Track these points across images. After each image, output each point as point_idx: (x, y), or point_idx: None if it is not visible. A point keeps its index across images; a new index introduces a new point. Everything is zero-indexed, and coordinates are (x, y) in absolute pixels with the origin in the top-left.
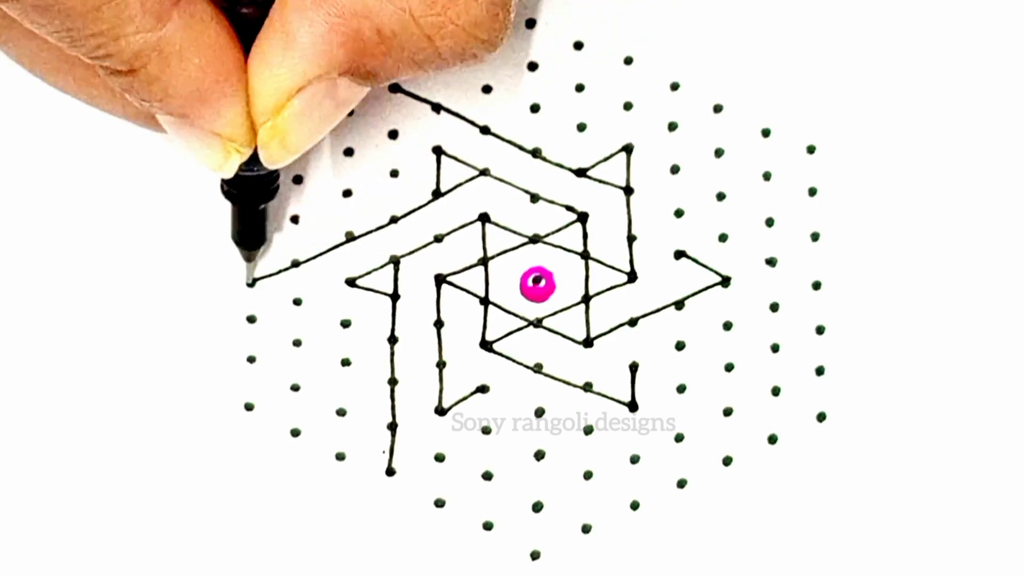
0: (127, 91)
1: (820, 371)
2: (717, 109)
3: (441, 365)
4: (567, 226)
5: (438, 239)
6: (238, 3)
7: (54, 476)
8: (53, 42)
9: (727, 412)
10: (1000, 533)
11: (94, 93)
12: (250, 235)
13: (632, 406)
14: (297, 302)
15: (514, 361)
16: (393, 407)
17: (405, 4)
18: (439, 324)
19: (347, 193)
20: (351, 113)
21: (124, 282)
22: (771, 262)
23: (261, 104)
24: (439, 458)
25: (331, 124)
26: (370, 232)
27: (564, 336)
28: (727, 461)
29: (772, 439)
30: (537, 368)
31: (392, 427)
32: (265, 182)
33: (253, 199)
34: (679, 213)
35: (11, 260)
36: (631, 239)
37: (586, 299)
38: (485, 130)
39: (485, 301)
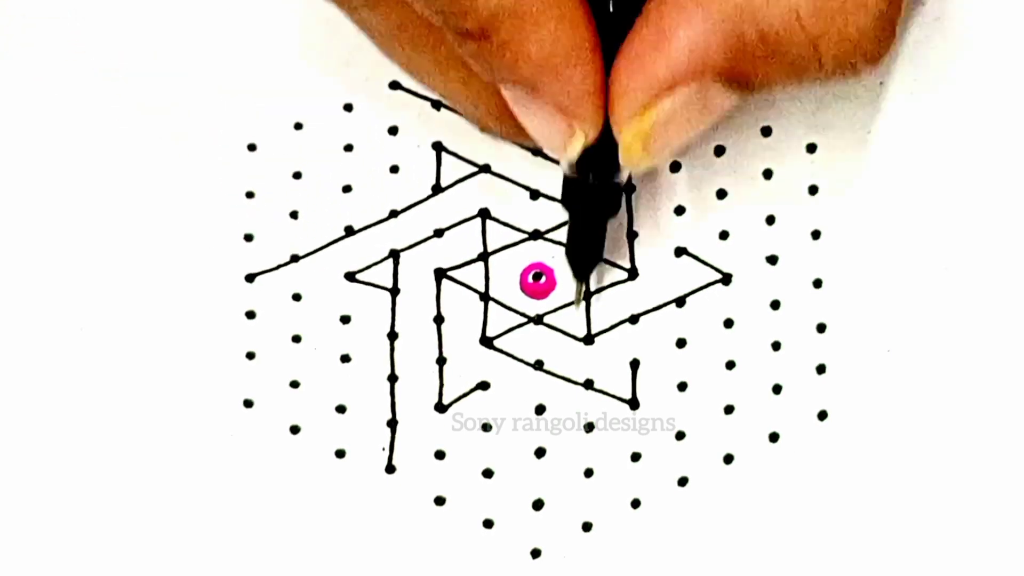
0: (476, 57)
1: (821, 369)
2: None
3: (441, 361)
4: (567, 222)
5: (438, 234)
6: (602, 2)
7: (53, 472)
8: (409, 1)
9: (728, 410)
10: (1000, 533)
11: (449, 77)
12: (586, 251)
13: (633, 404)
14: (296, 297)
15: (514, 358)
16: (393, 404)
17: (794, 5)
18: (439, 320)
19: (347, 188)
20: (350, 109)
21: (123, 278)
22: (772, 260)
23: (629, 102)
24: (439, 455)
25: (696, 131)
26: (370, 226)
27: (565, 333)
28: (728, 459)
29: (773, 437)
30: (538, 365)
31: (392, 424)
32: (608, 193)
33: (593, 210)
34: (680, 210)
35: (11, 258)
36: (632, 236)
37: (587, 296)
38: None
39: (485, 297)
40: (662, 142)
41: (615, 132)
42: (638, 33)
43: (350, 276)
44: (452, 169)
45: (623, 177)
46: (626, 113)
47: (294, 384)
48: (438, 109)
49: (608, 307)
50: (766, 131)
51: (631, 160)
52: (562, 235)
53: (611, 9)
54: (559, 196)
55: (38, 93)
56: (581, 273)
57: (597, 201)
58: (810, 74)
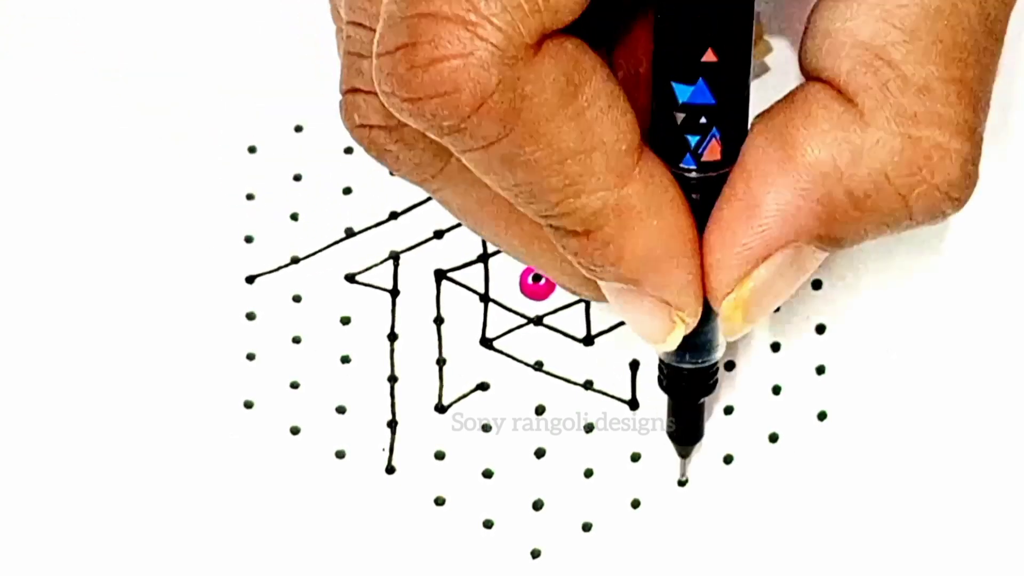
0: (577, 255)
1: (821, 370)
2: None
3: (441, 362)
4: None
5: (438, 235)
6: (691, 169)
7: (54, 473)
8: (508, 198)
9: (727, 411)
10: (1000, 533)
11: (536, 250)
12: (687, 430)
13: (633, 404)
14: (296, 299)
15: (514, 359)
16: (393, 404)
17: (879, 165)
18: (439, 321)
19: (347, 190)
20: None
21: (123, 279)
22: None
23: (725, 275)
24: (439, 456)
25: (791, 292)
26: (370, 228)
27: (564, 334)
28: (728, 459)
29: (773, 438)
30: (537, 366)
31: (392, 425)
32: (705, 375)
33: (692, 393)
34: None
35: (12, 257)
36: None
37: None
38: None
39: (485, 298)
40: (760, 308)
41: (713, 305)
42: (727, 206)
43: (350, 278)
44: None
45: (719, 355)
46: (723, 287)
47: (294, 385)
48: None
49: (607, 308)
50: None
51: (732, 330)
52: None
53: (694, 196)
54: None
55: (38, 93)
56: (684, 451)
57: (695, 383)
58: (900, 227)
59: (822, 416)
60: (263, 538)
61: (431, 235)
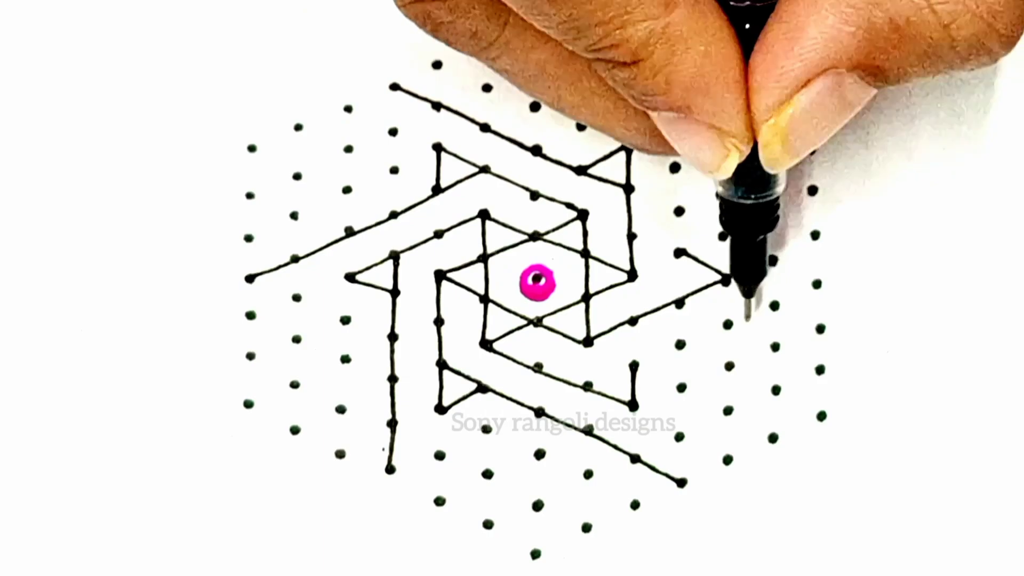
0: (628, 86)
1: (820, 370)
2: None
3: (441, 363)
4: (567, 224)
5: (438, 235)
6: (740, 20)
7: (54, 473)
8: (556, 37)
9: (727, 411)
10: (1000, 533)
11: (596, 106)
12: (748, 269)
13: (632, 405)
14: (296, 298)
15: (514, 361)
16: (393, 404)
17: None
18: (439, 322)
19: (347, 189)
20: (350, 110)
21: (123, 279)
22: (772, 260)
23: (765, 99)
24: (439, 456)
25: (835, 127)
26: (370, 227)
27: (564, 335)
28: (727, 460)
29: (772, 438)
30: (537, 367)
31: (392, 425)
32: (765, 210)
33: (752, 229)
34: (679, 211)
35: (11, 257)
36: (631, 237)
37: (586, 298)
38: (485, 127)
39: (485, 299)
40: (801, 138)
41: (756, 132)
42: (771, 30)
43: (350, 277)
44: (452, 170)
45: (778, 191)
46: (763, 110)
47: (294, 385)
48: (438, 110)
49: (607, 309)
50: None
51: (771, 158)
52: (563, 236)
53: (746, 26)
54: (559, 197)
55: (38, 93)
56: (749, 290)
57: (755, 219)
58: (945, 60)
59: (822, 416)
60: (263, 538)
61: (431, 235)
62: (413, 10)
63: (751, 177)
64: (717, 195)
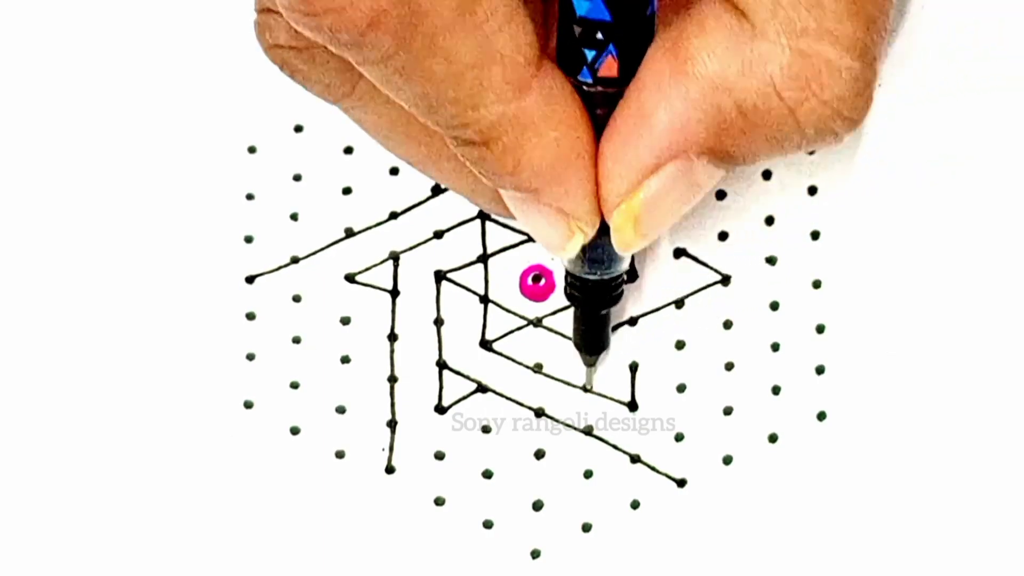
0: (477, 164)
1: (820, 370)
2: None
3: (441, 363)
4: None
5: (438, 235)
6: (592, 105)
7: (53, 472)
8: (408, 109)
9: (727, 411)
10: (1000, 533)
11: (444, 168)
12: (592, 340)
13: (632, 406)
14: (296, 299)
15: (514, 361)
16: (393, 405)
17: (768, 78)
18: (439, 322)
19: (347, 190)
20: None
21: (123, 279)
22: (771, 260)
23: (615, 185)
24: (439, 456)
25: (686, 208)
26: (369, 228)
27: (564, 336)
28: (727, 460)
29: (772, 438)
30: (537, 368)
31: (392, 425)
32: (608, 287)
33: (595, 303)
34: None
35: (11, 257)
36: None
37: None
38: None
39: (485, 299)
40: (652, 222)
41: (605, 216)
42: (620, 116)
43: (350, 278)
44: None
45: (622, 268)
46: (614, 197)
47: (294, 385)
48: None
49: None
50: None
51: (624, 242)
52: None
53: (598, 111)
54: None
55: (38, 93)
56: (591, 361)
57: (599, 294)
58: (793, 143)
59: (821, 416)
60: (263, 538)
61: (431, 235)
62: (273, 54)
63: (596, 254)
64: (564, 269)
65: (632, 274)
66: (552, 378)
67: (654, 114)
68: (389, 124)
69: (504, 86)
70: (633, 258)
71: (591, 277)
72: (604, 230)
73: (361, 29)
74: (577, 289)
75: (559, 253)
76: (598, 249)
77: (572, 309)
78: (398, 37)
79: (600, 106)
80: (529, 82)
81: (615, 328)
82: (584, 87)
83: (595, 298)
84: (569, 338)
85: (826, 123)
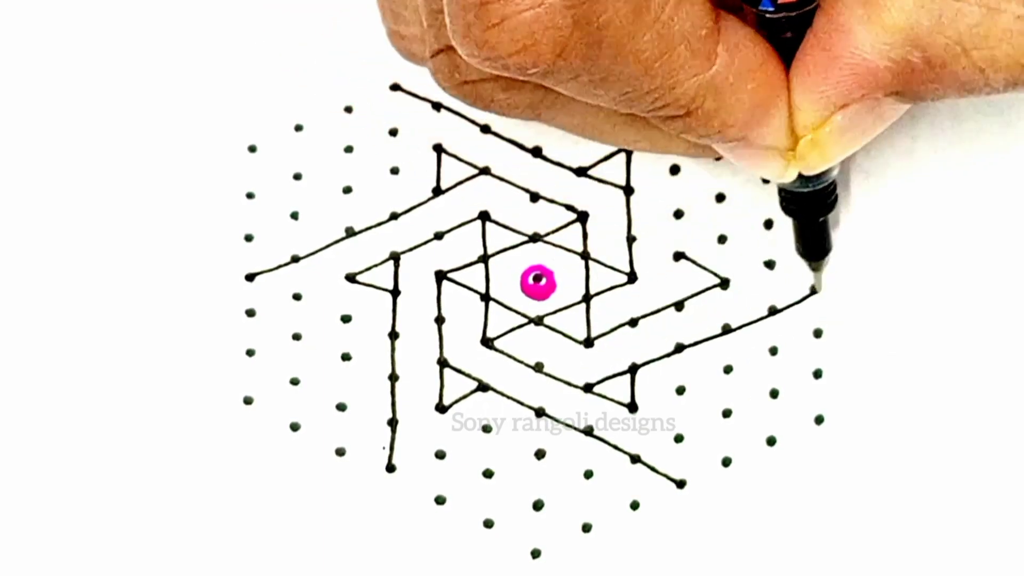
0: (685, 132)
1: (818, 374)
2: None
3: (442, 362)
4: (567, 225)
5: (438, 236)
6: (778, 30)
7: (54, 470)
8: (611, 107)
9: (726, 414)
10: (1000, 533)
11: (656, 137)
12: (814, 247)
13: (632, 407)
14: (297, 297)
15: (515, 359)
16: (393, 403)
17: (957, 36)
18: (440, 320)
19: (347, 190)
20: (351, 111)
21: (124, 277)
22: (769, 264)
23: (803, 118)
24: (440, 455)
25: (870, 137)
26: (370, 228)
27: (565, 335)
28: (726, 462)
29: (770, 441)
30: (538, 368)
31: (392, 423)
32: (823, 196)
33: (813, 213)
34: (679, 214)
35: (12, 257)
36: (631, 240)
37: (586, 299)
38: (485, 129)
39: (486, 298)
40: (836, 150)
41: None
42: (810, 52)
43: (351, 277)
44: (452, 171)
45: (832, 176)
46: (802, 128)
47: (294, 382)
48: (438, 111)
49: (607, 311)
50: None
51: (809, 166)
52: (563, 238)
53: (787, 35)
54: (559, 198)
55: (38, 93)
56: (816, 266)
57: (815, 204)
58: (982, 92)
59: (819, 420)
60: (262, 535)
61: (431, 236)
62: (463, 91)
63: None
64: (778, 185)
65: (632, 276)
66: (553, 378)
67: (842, 57)
68: (593, 118)
69: (693, 62)
70: (632, 261)
71: (803, 190)
72: None
73: (550, 60)
74: (793, 203)
75: (782, 180)
76: None
77: (791, 221)
78: (586, 57)
79: (786, 30)
80: (714, 48)
81: (615, 329)
82: (767, 16)
83: (811, 208)
84: (570, 337)
85: (1016, 78)
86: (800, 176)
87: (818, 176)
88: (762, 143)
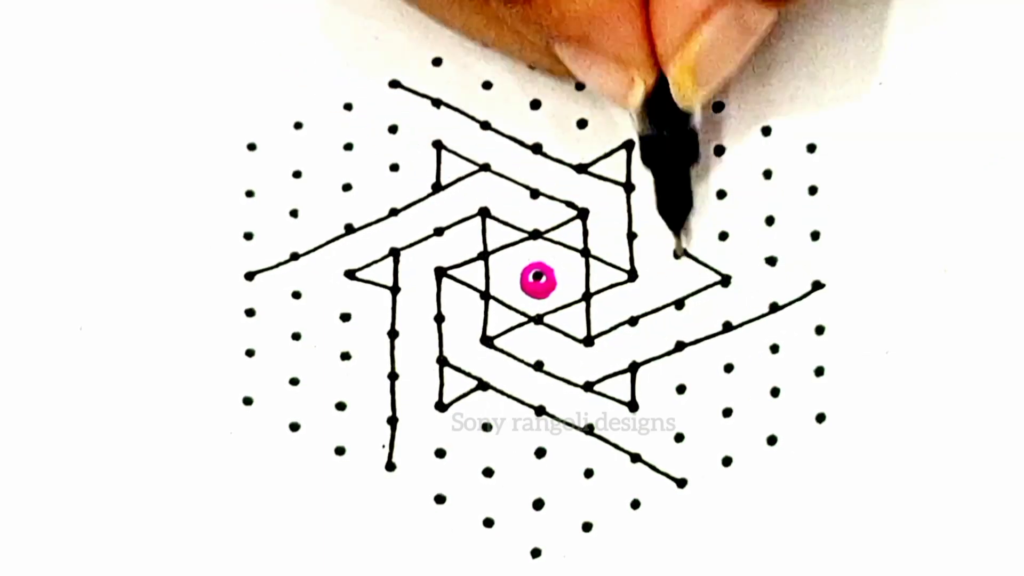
0: (523, 21)
1: (819, 372)
2: (718, 107)
3: (442, 360)
4: (567, 222)
5: (438, 232)
6: None
7: (53, 471)
8: None
9: (727, 412)
10: (1000, 533)
11: (494, 34)
12: (675, 204)
13: (632, 406)
14: (296, 295)
15: (515, 358)
16: (393, 401)
17: None
18: (440, 319)
19: (347, 187)
20: (350, 108)
21: (122, 276)
22: (771, 261)
23: (668, 37)
24: (439, 454)
25: (740, 54)
26: (370, 225)
27: (564, 333)
28: (727, 461)
29: (771, 440)
30: (538, 366)
31: (392, 422)
32: (684, 141)
33: (674, 162)
34: None
35: (11, 257)
36: (631, 237)
37: (587, 297)
38: (486, 125)
39: (486, 296)
40: (709, 70)
41: (664, 70)
42: None
43: (350, 274)
44: (452, 168)
45: (696, 122)
46: (669, 48)
47: (294, 381)
48: (438, 108)
49: (607, 309)
50: (766, 131)
51: (684, 95)
52: (563, 235)
53: None
54: (559, 195)
55: (38, 93)
56: (675, 226)
57: (675, 152)
58: None
59: (821, 418)
60: (262, 535)
61: (431, 232)
62: None
63: (666, 111)
64: (636, 135)
65: (632, 274)
66: (553, 376)
67: None
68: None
69: None
70: (632, 258)
71: (663, 135)
72: (664, 84)
73: None
74: (653, 151)
75: (624, 104)
76: (666, 105)
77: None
78: None
79: None
80: None
81: (615, 327)
82: None
83: (672, 157)
84: (570, 336)
85: None
86: (659, 119)
87: (676, 120)
88: (605, 49)
